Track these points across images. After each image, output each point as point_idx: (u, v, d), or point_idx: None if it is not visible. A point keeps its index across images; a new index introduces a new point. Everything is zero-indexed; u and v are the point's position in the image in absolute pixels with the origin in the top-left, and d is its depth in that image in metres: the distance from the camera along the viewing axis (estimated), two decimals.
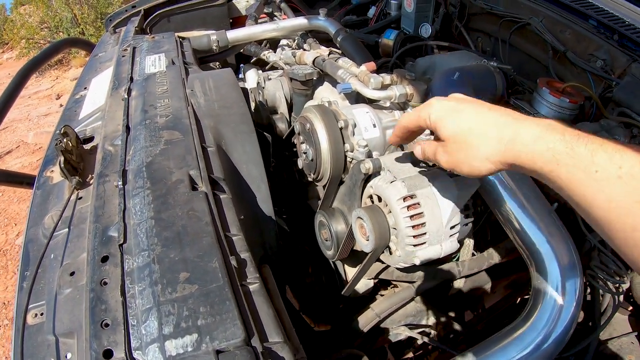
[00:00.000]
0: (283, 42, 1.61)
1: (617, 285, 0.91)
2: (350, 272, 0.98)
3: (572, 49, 1.12)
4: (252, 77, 1.54)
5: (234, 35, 1.44)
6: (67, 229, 0.67)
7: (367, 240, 0.70)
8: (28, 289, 0.58)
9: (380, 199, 0.71)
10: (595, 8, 1.18)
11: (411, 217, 0.65)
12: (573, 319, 0.73)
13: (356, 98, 1.05)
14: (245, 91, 1.07)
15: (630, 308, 1.12)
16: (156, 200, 0.62)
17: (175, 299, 0.48)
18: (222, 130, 0.84)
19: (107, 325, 0.48)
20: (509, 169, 0.49)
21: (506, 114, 0.48)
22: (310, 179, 0.94)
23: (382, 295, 1.04)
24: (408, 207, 0.65)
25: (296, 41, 1.50)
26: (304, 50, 1.30)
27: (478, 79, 1.02)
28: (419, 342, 1.06)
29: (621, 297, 0.95)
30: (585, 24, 1.14)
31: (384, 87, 0.92)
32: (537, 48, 1.24)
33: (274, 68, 1.52)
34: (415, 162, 0.72)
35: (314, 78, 1.09)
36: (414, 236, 0.66)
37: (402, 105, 0.95)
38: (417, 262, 0.68)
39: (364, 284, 0.95)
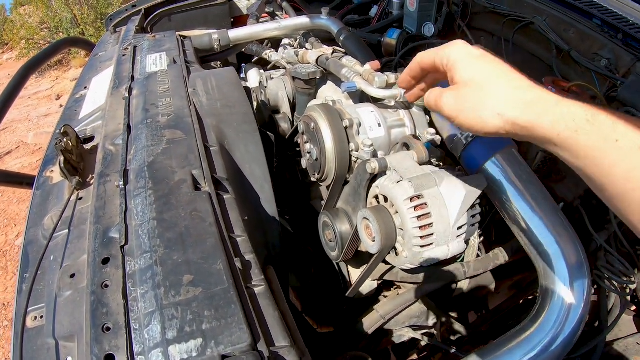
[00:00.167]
0: (285, 41, 1.60)
1: (625, 285, 0.90)
2: (353, 273, 0.97)
3: (576, 48, 1.11)
4: (253, 77, 1.53)
5: (236, 34, 1.43)
6: (67, 230, 0.66)
7: (374, 241, 0.69)
8: (27, 291, 0.57)
9: (386, 199, 0.70)
10: (599, 7, 1.17)
11: (418, 217, 0.64)
12: (581, 319, 0.72)
13: (360, 97, 1.04)
14: (247, 90, 1.06)
15: (634, 308, 1.11)
16: (158, 200, 0.61)
17: (178, 302, 0.47)
18: (224, 130, 0.82)
19: (108, 329, 0.47)
20: (514, 135, 0.45)
21: (529, 80, 0.46)
22: (314, 179, 0.92)
23: (385, 296, 1.03)
24: (415, 207, 0.64)
25: (298, 40, 1.49)
26: (306, 49, 1.29)
27: None
28: (423, 343, 1.05)
29: (628, 298, 0.95)
30: (589, 23, 1.13)
31: (388, 86, 0.91)
32: (540, 47, 1.23)
33: (275, 67, 1.51)
34: (422, 162, 0.71)
35: (318, 77, 1.08)
36: (421, 237, 0.64)
37: (407, 105, 0.94)
38: (424, 264, 0.67)
39: (368, 285, 0.94)
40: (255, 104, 1.20)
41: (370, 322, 0.94)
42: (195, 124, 0.78)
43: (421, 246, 0.65)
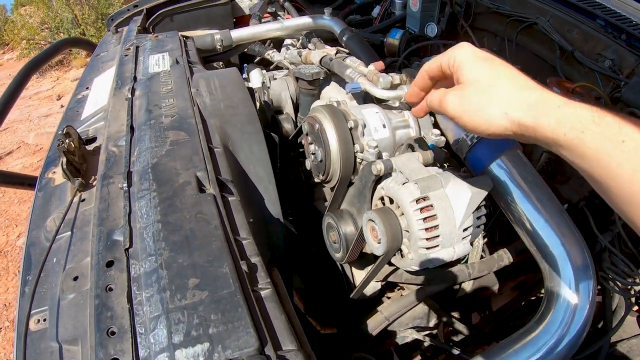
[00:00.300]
0: (287, 41, 1.59)
1: (629, 286, 0.90)
2: (357, 274, 0.96)
3: (579, 49, 1.11)
4: (256, 77, 1.52)
5: (238, 34, 1.42)
6: (69, 232, 0.65)
7: (379, 243, 0.68)
8: (30, 294, 0.56)
9: (392, 201, 0.69)
10: (602, 7, 1.16)
11: (424, 219, 0.64)
12: (587, 321, 0.72)
13: (364, 98, 1.04)
14: (251, 91, 1.05)
15: (636, 308, 1.10)
16: (163, 202, 0.60)
17: (184, 306, 0.46)
18: (228, 131, 0.82)
19: (113, 333, 0.47)
20: (519, 136, 0.45)
21: (534, 81, 0.46)
22: (318, 180, 0.92)
23: (388, 297, 1.02)
24: (421, 209, 0.64)
25: (300, 41, 1.49)
26: (309, 49, 1.29)
27: None
28: (426, 344, 1.04)
29: (633, 299, 0.94)
30: (592, 24, 1.13)
31: (393, 86, 0.91)
32: (544, 48, 1.23)
33: (278, 68, 1.51)
34: (427, 163, 0.71)
35: (321, 77, 1.08)
36: (426, 239, 0.64)
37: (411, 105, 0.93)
38: (430, 265, 0.67)
39: (372, 287, 0.94)
40: (258, 104, 1.20)
41: (374, 324, 0.93)
42: (199, 125, 0.77)
43: (427, 248, 0.65)
